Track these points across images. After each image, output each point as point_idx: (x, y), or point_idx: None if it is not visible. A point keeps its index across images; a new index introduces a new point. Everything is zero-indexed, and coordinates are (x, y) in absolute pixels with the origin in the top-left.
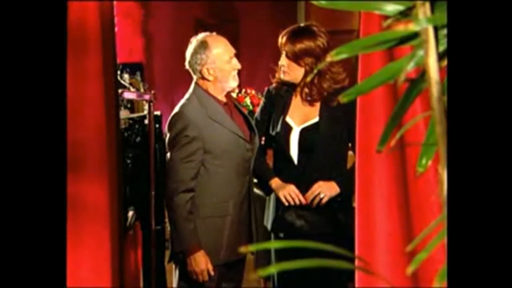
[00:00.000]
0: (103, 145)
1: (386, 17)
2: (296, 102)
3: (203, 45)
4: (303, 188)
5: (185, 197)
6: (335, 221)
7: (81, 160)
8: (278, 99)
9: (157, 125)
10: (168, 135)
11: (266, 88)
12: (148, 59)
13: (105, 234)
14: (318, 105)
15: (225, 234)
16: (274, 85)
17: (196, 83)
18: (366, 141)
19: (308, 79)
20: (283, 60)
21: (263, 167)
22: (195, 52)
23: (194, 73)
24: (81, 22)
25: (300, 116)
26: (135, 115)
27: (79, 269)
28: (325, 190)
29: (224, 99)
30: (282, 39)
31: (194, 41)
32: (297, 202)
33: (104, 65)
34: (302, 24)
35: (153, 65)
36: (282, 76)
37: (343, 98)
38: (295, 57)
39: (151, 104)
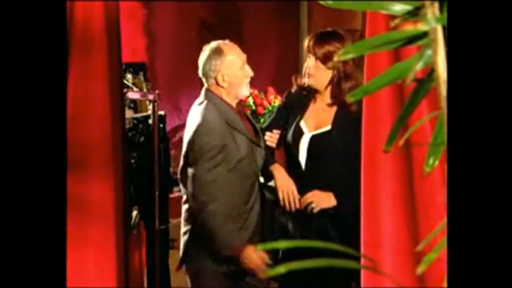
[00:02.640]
0: (109, 145)
1: (392, 17)
2: (314, 107)
3: (218, 51)
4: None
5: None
6: (325, 236)
7: (86, 160)
8: (297, 103)
9: (161, 125)
10: (192, 146)
11: (287, 90)
12: (151, 59)
13: (110, 234)
14: (333, 112)
15: (244, 239)
16: (294, 88)
17: (209, 90)
18: (371, 141)
19: (335, 79)
20: (311, 62)
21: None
22: (209, 58)
23: (207, 80)
24: (87, 23)
25: (314, 122)
26: (139, 115)
27: (85, 268)
28: (318, 200)
29: (236, 107)
30: (310, 42)
31: (207, 49)
32: (292, 206)
33: (109, 65)
34: (328, 29)
35: (156, 65)
36: (306, 80)
37: (350, 98)
38: (325, 59)
39: (155, 104)
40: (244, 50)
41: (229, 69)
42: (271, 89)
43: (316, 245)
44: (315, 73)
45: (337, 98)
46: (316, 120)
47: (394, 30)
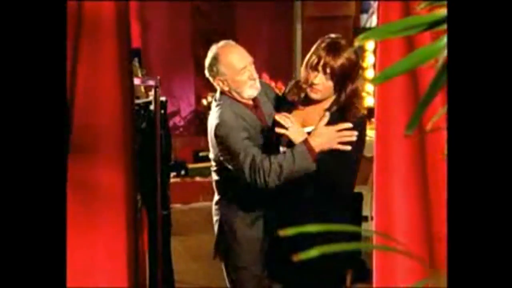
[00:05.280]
0: (119, 131)
1: (405, 3)
2: (308, 108)
3: (215, 57)
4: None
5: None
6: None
7: (97, 145)
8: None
9: (162, 111)
10: (218, 146)
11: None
12: (144, 46)
13: (121, 218)
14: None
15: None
16: (290, 89)
17: (221, 92)
18: (384, 126)
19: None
20: (319, 79)
21: None
22: (210, 65)
23: (214, 83)
24: (97, 10)
25: (303, 120)
26: (141, 100)
27: (95, 252)
28: (291, 132)
29: (251, 102)
30: (323, 59)
31: (209, 53)
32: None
33: (119, 51)
34: (335, 39)
35: (149, 51)
36: (313, 95)
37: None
38: (335, 73)
39: (157, 90)
40: (237, 35)
41: (225, 74)
42: (264, 75)
43: (344, 229)
44: (323, 89)
45: (338, 103)
46: (307, 119)
47: (411, 16)
